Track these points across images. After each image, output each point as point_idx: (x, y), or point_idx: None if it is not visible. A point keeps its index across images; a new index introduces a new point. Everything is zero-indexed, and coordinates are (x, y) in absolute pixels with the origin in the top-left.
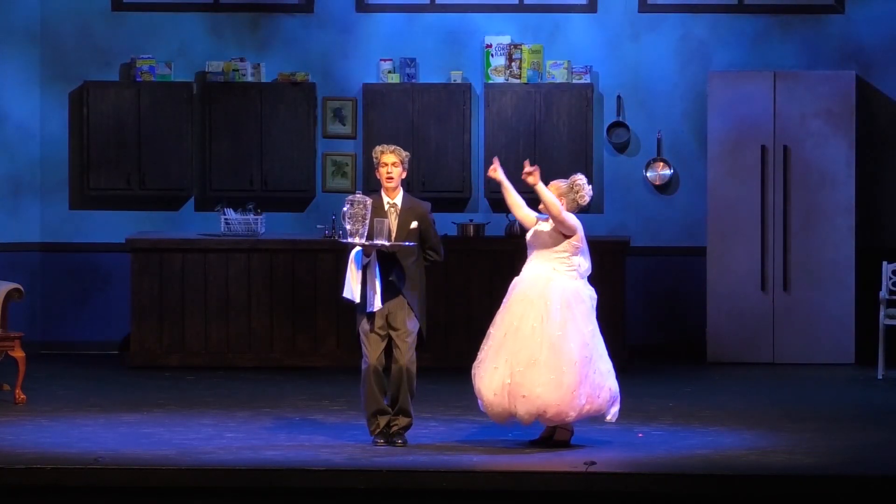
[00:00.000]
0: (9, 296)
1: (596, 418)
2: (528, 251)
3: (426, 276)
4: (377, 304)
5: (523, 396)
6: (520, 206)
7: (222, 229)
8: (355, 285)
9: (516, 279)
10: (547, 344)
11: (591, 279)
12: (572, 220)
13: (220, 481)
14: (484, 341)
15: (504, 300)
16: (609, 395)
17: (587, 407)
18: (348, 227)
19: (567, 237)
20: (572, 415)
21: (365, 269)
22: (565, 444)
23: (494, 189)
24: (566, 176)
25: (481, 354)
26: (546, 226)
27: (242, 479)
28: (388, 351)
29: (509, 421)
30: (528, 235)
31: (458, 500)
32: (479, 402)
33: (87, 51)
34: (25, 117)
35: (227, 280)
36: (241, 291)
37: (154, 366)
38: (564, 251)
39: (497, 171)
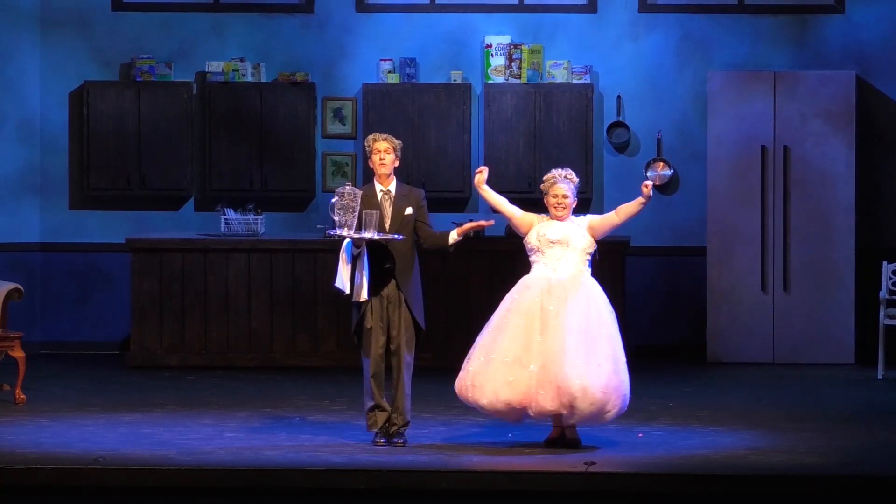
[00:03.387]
0: (9, 296)
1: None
2: (542, 252)
3: (421, 263)
4: (363, 295)
5: (562, 386)
6: (503, 202)
7: (222, 229)
8: (345, 276)
9: (530, 280)
10: (605, 336)
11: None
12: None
13: (220, 481)
14: (476, 350)
15: (510, 300)
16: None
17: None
18: (336, 218)
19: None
20: (611, 411)
21: (355, 261)
22: (576, 444)
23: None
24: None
25: (473, 365)
26: (574, 227)
27: (242, 479)
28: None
29: (526, 418)
30: (553, 235)
31: (458, 500)
32: (483, 402)
33: (87, 51)
34: (25, 117)
35: (227, 280)
36: (241, 291)
37: (154, 366)
38: (591, 249)
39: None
